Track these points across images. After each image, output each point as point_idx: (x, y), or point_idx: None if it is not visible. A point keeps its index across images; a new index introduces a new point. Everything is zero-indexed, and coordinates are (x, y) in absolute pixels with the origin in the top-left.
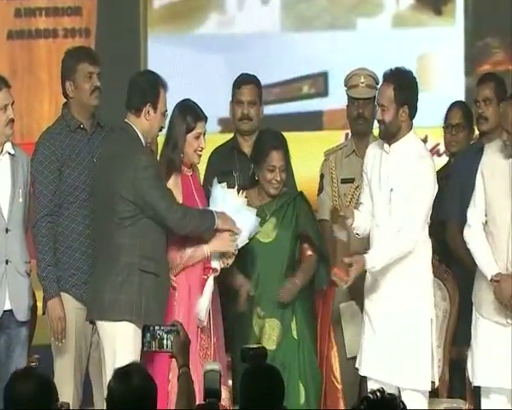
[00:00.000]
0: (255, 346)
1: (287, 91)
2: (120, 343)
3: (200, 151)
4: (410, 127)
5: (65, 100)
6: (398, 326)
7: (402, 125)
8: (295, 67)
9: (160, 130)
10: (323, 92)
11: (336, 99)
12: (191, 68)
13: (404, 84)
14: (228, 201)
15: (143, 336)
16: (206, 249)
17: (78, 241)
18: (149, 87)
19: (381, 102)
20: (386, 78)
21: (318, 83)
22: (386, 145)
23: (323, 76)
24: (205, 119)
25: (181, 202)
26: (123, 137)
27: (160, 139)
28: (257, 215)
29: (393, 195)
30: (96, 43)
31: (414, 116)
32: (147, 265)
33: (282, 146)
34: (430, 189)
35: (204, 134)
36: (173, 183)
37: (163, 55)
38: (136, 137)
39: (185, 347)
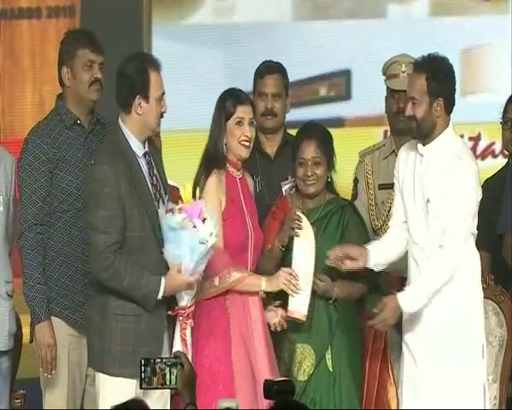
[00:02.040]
0: (281, 379)
1: (300, 94)
2: (101, 395)
3: (247, 141)
4: (447, 123)
5: (52, 90)
6: (443, 356)
7: (437, 122)
8: (310, 64)
9: (161, 116)
10: (345, 95)
11: (361, 103)
12: (183, 64)
13: (438, 73)
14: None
15: (143, 371)
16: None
17: (73, 256)
18: (137, 76)
19: (411, 95)
20: (417, 66)
21: (339, 83)
22: (419, 146)
23: (345, 75)
24: (249, 104)
25: (223, 206)
26: (107, 141)
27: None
28: None
29: (430, 206)
30: (81, 24)
31: (451, 110)
32: (120, 307)
33: (316, 138)
34: (470, 195)
35: (252, 122)
36: (215, 183)
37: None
38: (118, 141)
39: (191, 381)
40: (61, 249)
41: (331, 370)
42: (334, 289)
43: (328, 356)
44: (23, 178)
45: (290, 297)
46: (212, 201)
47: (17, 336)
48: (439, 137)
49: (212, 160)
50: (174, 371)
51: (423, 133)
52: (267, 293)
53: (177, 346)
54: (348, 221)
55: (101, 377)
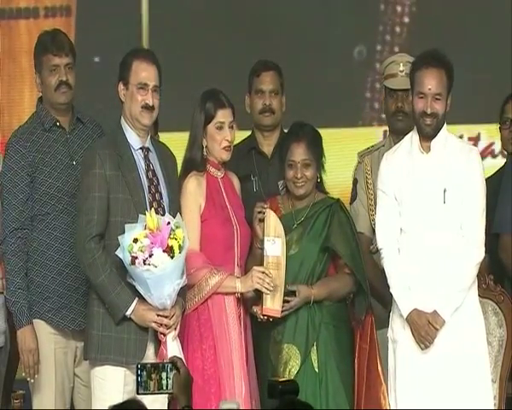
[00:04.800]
0: (285, 379)
1: None
2: (95, 385)
3: (227, 145)
4: None
5: None
6: (447, 355)
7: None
8: None
9: (146, 107)
10: None
11: None
12: None
13: (451, 68)
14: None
15: (138, 375)
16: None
17: (55, 259)
18: (121, 64)
19: (437, 91)
20: (436, 62)
21: None
22: (418, 144)
23: None
24: (229, 107)
25: (203, 208)
26: (105, 136)
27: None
28: (284, 224)
29: (447, 195)
30: (76, 23)
31: None
32: None
33: (305, 140)
34: (484, 184)
35: (232, 126)
36: (193, 186)
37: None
38: (115, 133)
39: (187, 385)
40: (44, 252)
41: (317, 371)
42: (311, 294)
43: (313, 357)
44: (3, 183)
45: (264, 295)
46: (189, 205)
47: (16, 336)
48: (442, 131)
49: (192, 163)
50: (170, 375)
51: (437, 130)
52: (243, 293)
53: (172, 351)
54: (334, 220)
55: (92, 373)
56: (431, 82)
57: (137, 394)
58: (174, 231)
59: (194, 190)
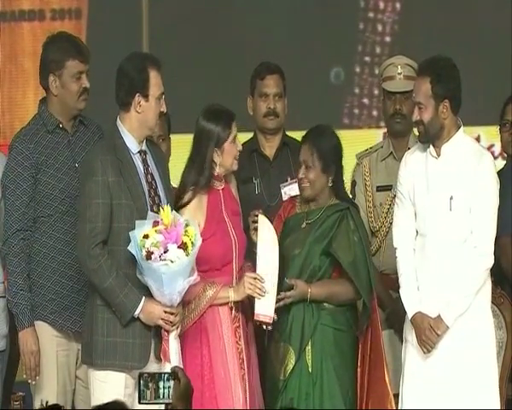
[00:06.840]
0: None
1: None
2: (95, 387)
3: (238, 155)
4: (457, 122)
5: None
6: (456, 356)
7: (444, 123)
8: None
9: (160, 115)
10: None
11: None
12: None
13: (442, 75)
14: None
15: (139, 385)
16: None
17: (57, 261)
18: (137, 74)
19: (416, 100)
20: (421, 70)
21: None
22: (431, 148)
23: None
24: (235, 117)
25: (202, 226)
26: (103, 138)
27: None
28: (293, 223)
29: (454, 202)
30: (88, 26)
31: (458, 110)
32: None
33: (311, 142)
34: (496, 190)
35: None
36: (193, 207)
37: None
38: (112, 138)
39: (187, 395)
40: (47, 254)
41: (310, 371)
42: (307, 291)
43: (308, 357)
44: (6, 184)
45: (256, 300)
46: None
47: (15, 339)
48: (456, 135)
49: (199, 184)
50: (168, 384)
51: (431, 136)
52: (238, 301)
53: (174, 349)
54: (340, 225)
55: (92, 375)
56: (415, 90)
57: (139, 403)
58: (185, 228)
59: (193, 209)
